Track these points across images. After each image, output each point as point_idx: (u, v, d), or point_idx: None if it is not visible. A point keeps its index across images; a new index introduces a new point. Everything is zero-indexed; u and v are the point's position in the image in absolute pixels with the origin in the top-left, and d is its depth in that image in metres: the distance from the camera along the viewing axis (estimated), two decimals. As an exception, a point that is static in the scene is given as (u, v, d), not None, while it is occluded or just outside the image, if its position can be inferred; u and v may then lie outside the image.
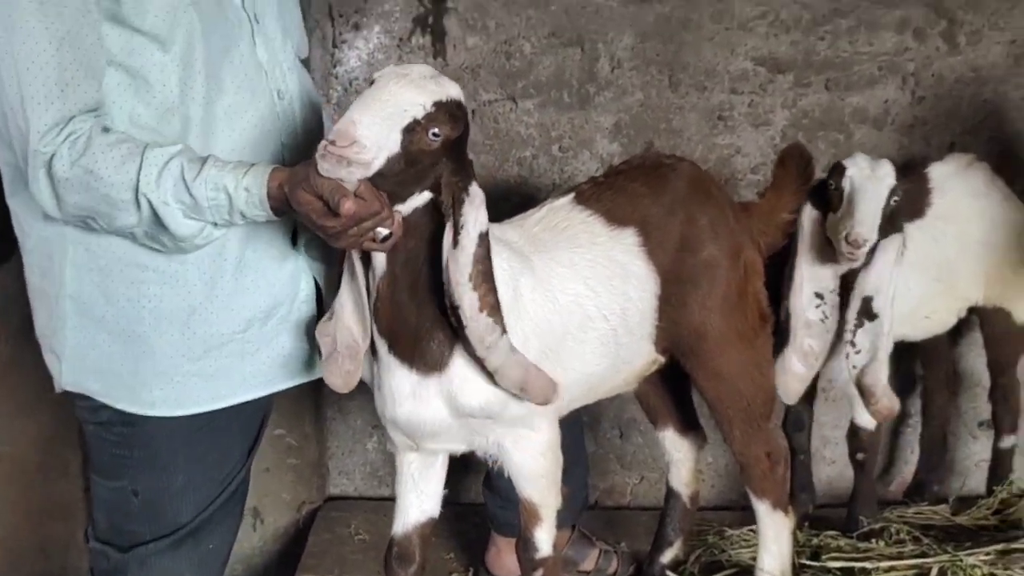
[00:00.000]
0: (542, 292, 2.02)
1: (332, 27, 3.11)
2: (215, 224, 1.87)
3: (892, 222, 2.42)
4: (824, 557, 2.62)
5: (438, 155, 1.75)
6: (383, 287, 1.86)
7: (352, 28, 3.11)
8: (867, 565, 2.57)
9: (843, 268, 2.47)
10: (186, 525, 2.08)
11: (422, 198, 1.80)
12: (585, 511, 2.87)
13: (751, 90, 3.13)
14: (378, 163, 1.68)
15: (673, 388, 2.51)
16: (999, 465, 3.11)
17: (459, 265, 1.78)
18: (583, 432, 2.86)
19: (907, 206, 2.79)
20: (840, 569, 2.56)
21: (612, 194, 2.20)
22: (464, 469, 2.72)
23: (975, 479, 3.30)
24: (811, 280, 2.48)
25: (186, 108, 1.90)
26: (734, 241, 2.24)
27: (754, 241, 2.30)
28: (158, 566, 2.09)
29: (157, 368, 1.99)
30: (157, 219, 1.82)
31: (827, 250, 2.45)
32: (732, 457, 2.45)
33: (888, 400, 2.49)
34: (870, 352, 2.48)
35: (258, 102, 1.99)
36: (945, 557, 2.61)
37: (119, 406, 2.01)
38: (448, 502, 2.26)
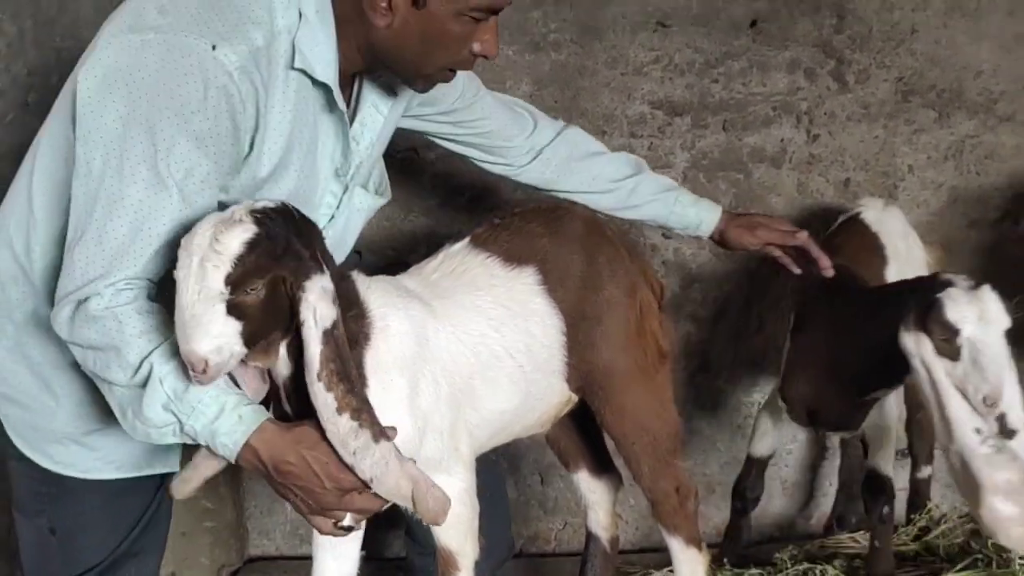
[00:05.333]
0: (446, 335, 2.02)
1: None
2: (177, 430, 1.76)
3: None
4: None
5: (271, 287, 1.70)
6: (289, 386, 1.84)
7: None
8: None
9: None
10: (102, 562, 2.05)
11: None
12: (507, 562, 2.84)
13: (650, 133, 3.18)
14: (234, 351, 1.68)
15: (584, 430, 2.50)
16: (917, 494, 3.15)
17: (308, 366, 1.72)
18: (503, 483, 2.84)
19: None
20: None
21: (509, 235, 2.19)
22: (387, 524, 2.68)
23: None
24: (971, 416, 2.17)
25: None
26: (630, 280, 2.25)
27: (647, 281, 2.32)
28: None
29: (62, 429, 1.98)
30: (142, 390, 1.74)
31: None
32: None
33: None
34: None
35: None
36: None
37: (16, 444, 2.00)
38: (370, 557, 2.23)
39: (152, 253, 1.75)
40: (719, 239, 2.61)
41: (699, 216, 2.58)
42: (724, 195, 3.20)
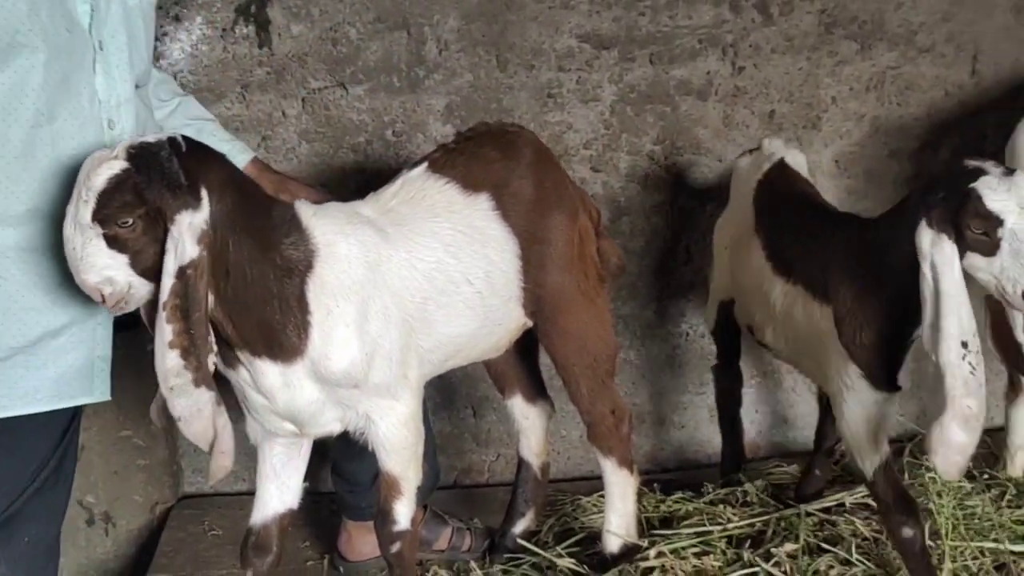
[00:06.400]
0: (399, 261, 2.05)
1: (152, 19, 3.03)
2: None
3: None
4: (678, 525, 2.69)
5: (148, 221, 1.74)
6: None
7: (173, 20, 3.03)
8: (713, 528, 2.66)
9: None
10: (4, 512, 2.01)
11: None
12: (434, 491, 2.88)
13: (578, 67, 3.18)
14: (132, 282, 1.76)
15: (520, 356, 2.56)
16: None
17: (160, 294, 1.76)
18: (428, 413, 2.87)
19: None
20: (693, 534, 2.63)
21: (465, 160, 2.24)
22: (318, 458, 2.70)
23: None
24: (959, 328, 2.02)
25: (7, 128, 1.83)
26: (573, 205, 2.33)
27: (586, 207, 2.38)
28: None
29: None
30: None
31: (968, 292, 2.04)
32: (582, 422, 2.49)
33: None
34: None
35: (86, 131, 1.93)
36: (790, 511, 2.73)
37: None
38: (308, 491, 2.27)
39: None
40: None
41: (232, 154, 2.39)
42: (652, 128, 3.23)
